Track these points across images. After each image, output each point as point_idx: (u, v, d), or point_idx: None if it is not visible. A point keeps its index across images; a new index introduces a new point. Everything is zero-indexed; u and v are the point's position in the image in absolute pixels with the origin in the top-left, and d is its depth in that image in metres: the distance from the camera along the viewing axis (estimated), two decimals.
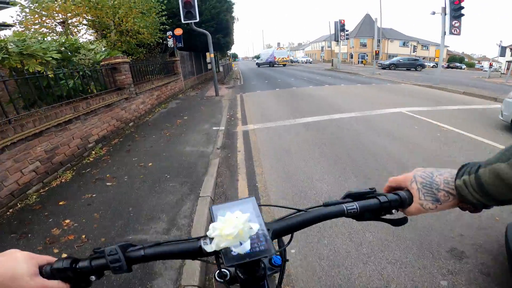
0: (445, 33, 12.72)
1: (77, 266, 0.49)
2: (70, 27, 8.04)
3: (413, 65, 30.39)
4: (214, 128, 5.82)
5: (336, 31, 25.13)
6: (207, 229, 0.50)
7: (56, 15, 7.50)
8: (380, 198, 0.57)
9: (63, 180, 3.66)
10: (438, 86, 12.20)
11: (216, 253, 0.50)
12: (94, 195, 3.16)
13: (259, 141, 5.03)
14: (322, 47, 60.98)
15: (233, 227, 0.46)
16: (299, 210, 0.60)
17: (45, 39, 5.13)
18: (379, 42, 50.50)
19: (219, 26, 13.44)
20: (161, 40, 9.64)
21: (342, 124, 5.85)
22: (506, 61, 35.60)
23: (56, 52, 4.43)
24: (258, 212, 0.55)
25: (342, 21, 24.57)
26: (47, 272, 0.47)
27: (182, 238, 0.69)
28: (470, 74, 27.01)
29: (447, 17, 12.36)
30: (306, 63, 52.15)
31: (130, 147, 4.94)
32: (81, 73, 4.98)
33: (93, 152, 4.71)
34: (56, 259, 0.49)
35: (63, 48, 5.23)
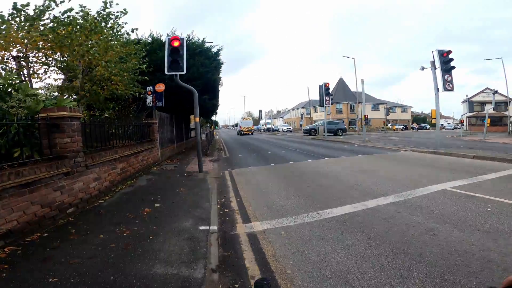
0: (438, 90, 12.44)
1: None
2: (30, 64, 6.51)
3: (333, 129, 31.70)
4: (202, 227, 3.97)
5: (321, 95, 25.16)
6: None
7: (12, 46, 6.00)
8: None
9: None
10: (441, 151, 11.98)
11: None
12: None
13: (281, 255, 3.21)
14: (302, 114, 63.24)
15: None
16: None
17: None
18: (352, 107, 53.46)
19: (206, 87, 12.57)
20: (137, 95, 8.30)
21: (390, 216, 4.36)
22: (467, 117, 38.61)
23: None
24: None
25: (327, 85, 24.81)
26: None
27: None
28: (442, 133, 28.21)
29: (438, 72, 12.30)
30: (286, 131, 53.62)
31: (53, 253, 3.03)
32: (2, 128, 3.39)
33: None
34: None
35: None
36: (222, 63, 14.27)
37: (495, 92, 23.60)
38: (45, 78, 6.67)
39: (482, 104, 39.38)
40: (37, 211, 3.57)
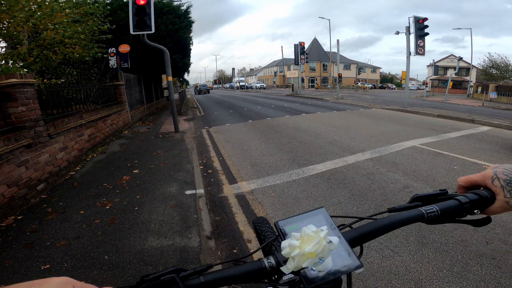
0: (410, 53, 13.34)
1: None
2: None
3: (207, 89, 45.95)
4: (188, 192, 3.93)
5: (296, 54, 25.57)
6: None
7: None
8: (460, 199, 0.56)
9: None
10: (409, 109, 12.82)
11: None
12: None
13: (273, 216, 3.32)
14: (275, 72, 63.94)
15: (316, 243, 0.43)
16: (361, 218, 0.59)
17: None
18: (324, 66, 55.31)
19: (177, 45, 11.94)
20: (100, 55, 7.49)
21: (369, 172, 4.59)
22: (430, 79, 41.72)
23: None
24: (332, 223, 0.52)
25: (303, 44, 25.15)
26: None
27: (236, 258, 0.54)
28: (408, 94, 30.53)
29: (412, 37, 12.99)
30: (260, 88, 53.52)
31: (35, 236, 2.86)
32: None
33: None
34: None
35: None
36: (193, 22, 13.52)
37: (460, 58, 25.10)
38: None
39: (446, 68, 41.55)
40: (4, 192, 3.27)
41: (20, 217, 3.30)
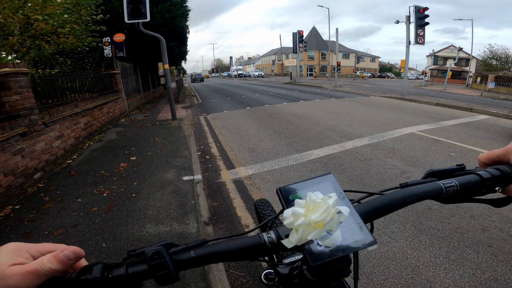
0: (410, 42, 13.30)
1: (111, 275, 0.39)
2: None
3: (201, 77, 48.55)
4: (185, 178, 3.88)
5: (294, 42, 25.39)
6: None
7: None
8: (482, 174, 0.50)
9: None
10: (407, 97, 12.72)
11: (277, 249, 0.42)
12: None
13: (270, 201, 3.27)
14: (273, 61, 63.51)
15: (323, 210, 0.37)
16: (371, 194, 0.54)
17: None
18: (323, 55, 54.81)
19: (174, 34, 11.76)
20: (94, 44, 7.32)
21: (367, 158, 4.55)
22: (429, 69, 41.69)
23: None
24: (341, 192, 0.45)
25: (301, 32, 24.98)
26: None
27: (233, 235, 0.46)
28: (406, 82, 30.51)
29: (412, 26, 12.88)
30: (258, 77, 53.12)
31: (33, 225, 2.82)
32: None
33: None
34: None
35: None
36: (189, 10, 13.26)
37: (460, 49, 24.85)
38: None
39: (445, 59, 41.30)
40: (1, 181, 3.22)
41: (17, 207, 3.26)
